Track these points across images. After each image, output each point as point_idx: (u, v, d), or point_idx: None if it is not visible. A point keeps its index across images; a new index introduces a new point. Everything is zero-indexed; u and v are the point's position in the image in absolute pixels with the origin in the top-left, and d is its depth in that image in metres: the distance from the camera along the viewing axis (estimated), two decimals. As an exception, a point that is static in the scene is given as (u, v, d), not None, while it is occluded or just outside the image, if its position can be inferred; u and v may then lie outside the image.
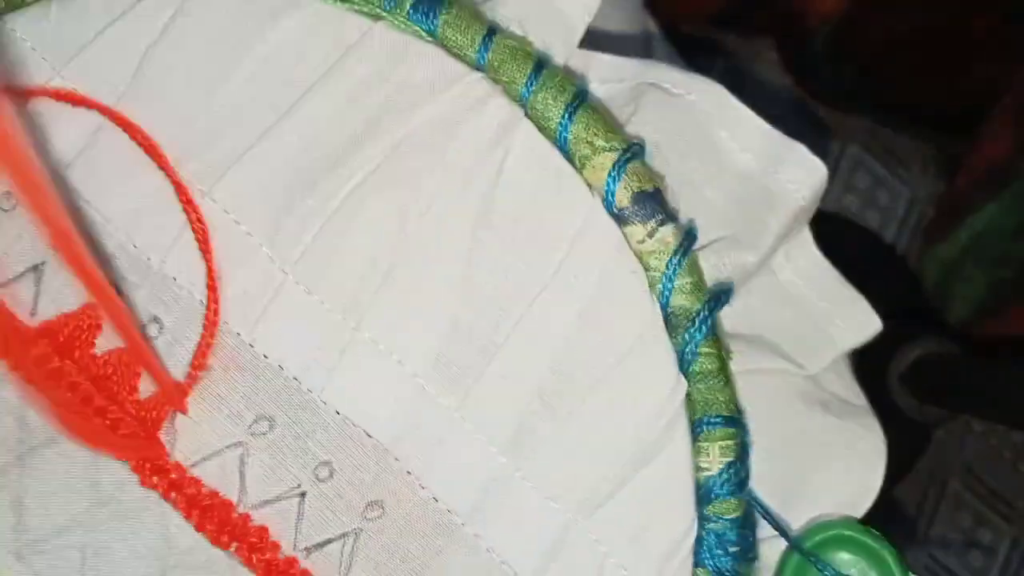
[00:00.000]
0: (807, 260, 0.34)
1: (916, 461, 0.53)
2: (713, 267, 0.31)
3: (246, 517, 0.28)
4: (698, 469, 0.29)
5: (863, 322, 0.34)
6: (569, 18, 0.31)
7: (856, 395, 0.34)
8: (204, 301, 0.28)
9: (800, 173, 0.32)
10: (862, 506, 0.31)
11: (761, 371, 0.33)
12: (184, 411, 0.28)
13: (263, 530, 0.28)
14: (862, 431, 0.33)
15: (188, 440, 0.28)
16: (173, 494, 0.28)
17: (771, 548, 0.31)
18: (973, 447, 0.44)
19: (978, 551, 0.41)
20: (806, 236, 0.35)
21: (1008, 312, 0.49)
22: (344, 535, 0.28)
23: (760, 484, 0.31)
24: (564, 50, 0.32)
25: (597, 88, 0.32)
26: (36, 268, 0.30)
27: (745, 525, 0.29)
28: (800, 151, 0.32)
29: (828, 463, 0.32)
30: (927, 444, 0.50)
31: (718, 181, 0.32)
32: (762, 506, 0.30)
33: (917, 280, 0.51)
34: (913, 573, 0.29)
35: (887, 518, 0.31)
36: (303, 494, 0.28)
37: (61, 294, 0.29)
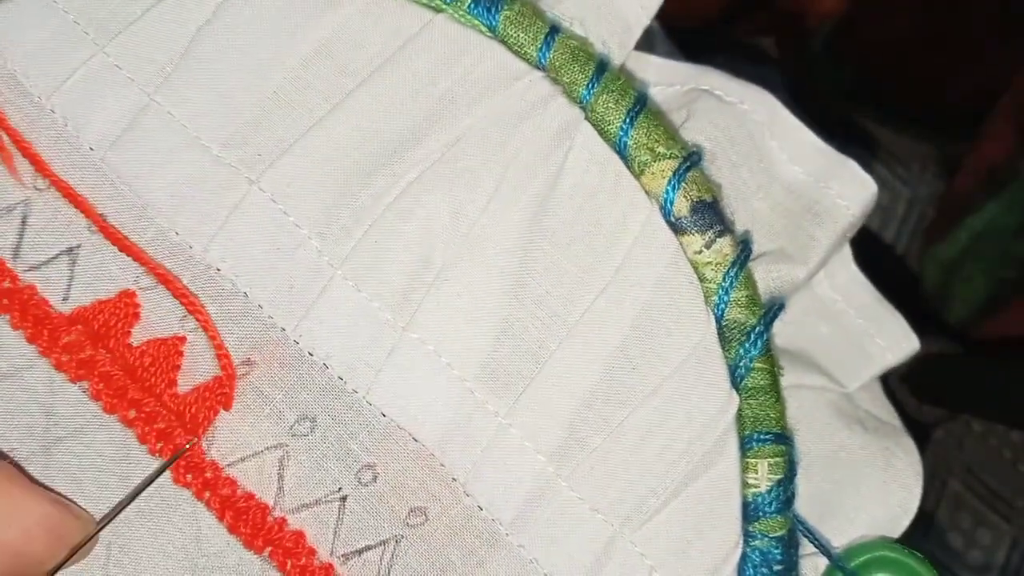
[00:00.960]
0: (846, 276, 0.34)
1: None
2: (761, 280, 0.30)
3: (282, 521, 0.26)
4: (746, 485, 0.27)
5: (902, 341, 0.33)
6: (627, 18, 0.30)
7: (890, 414, 0.34)
8: (249, 293, 0.27)
9: (850, 189, 0.31)
10: (900, 526, 0.31)
11: (800, 387, 0.32)
12: (228, 408, 0.26)
13: (299, 535, 0.26)
14: (898, 450, 0.32)
15: (226, 439, 0.26)
16: (207, 494, 0.26)
17: (809, 565, 0.30)
18: (973, 447, 0.44)
19: (978, 551, 0.41)
20: (846, 252, 0.34)
21: (1008, 312, 0.49)
22: (384, 542, 0.26)
23: (798, 501, 0.30)
24: (620, 51, 0.31)
25: (650, 91, 0.31)
26: (71, 251, 0.28)
27: (790, 543, 0.28)
28: (851, 167, 0.32)
29: (865, 482, 0.31)
30: (927, 444, 0.50)
31: (767, 192, 0.32)
32: (804, 524, 0.29)
33: (917, 280, 0.51)
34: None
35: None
36: (344, 498, 0.26)
37: (97, 279, 0.27)
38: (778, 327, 0.32)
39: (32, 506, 0.24)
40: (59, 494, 0.26)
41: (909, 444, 0.32)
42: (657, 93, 0.31)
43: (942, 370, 0.45)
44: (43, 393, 0.28)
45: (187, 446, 0.26)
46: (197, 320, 0.26)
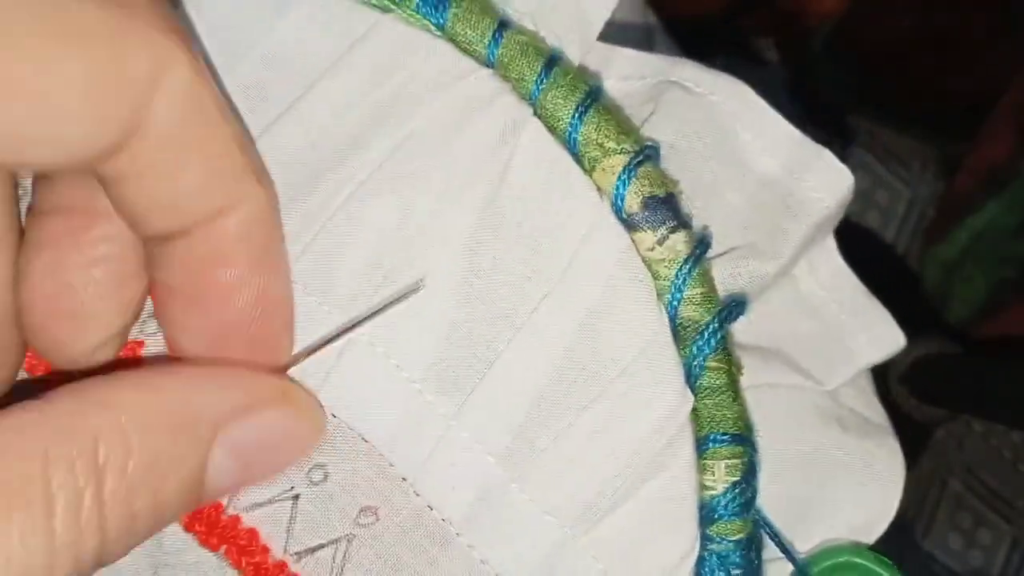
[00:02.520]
0: (830, 270, 0.32)
1: (916, 461, 0.50)
2: (729, 276, 0.28)
3: (236, 519, 0.25)
4: (703, 487, 0.26)
5: (887, 337, 0.31)
6: (587, 12, 0.29)
7: (877, 413, 0.32)
8: None
9: (826, 180, 0.30)
10: (876, 531, 0.29)
11: (776, 385, 0.30)
12: None
13: (253, 533, 0.26)
14: (880, 451, 0.30)
15: None
16: None
17: (777, 571, 0.28)
18: (973, 447, 0.42)
19: (978, 551, 0.39)
20: (830, 245, 0.32)
21: (1008, 312, 0.47)
22: (336, 540, 0.26)
23: (770, 503, 0.29)
24: (581, 45, 0.29)
25: (616, 85, 0.30)
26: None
27: (750, 547, 0.27)
28: (827, 157, 0.30)
29: (843, 484, 0.29)
30: (927, 444, 0.48)
31: (740, 185, 0.30)
32: (770, 527, 0.28)
33: (917, 280, 0.49)
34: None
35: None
36: (296, 497, 0.26)
37: None
38: (758, 324, 0.30)
39: None
40: None
41: (892, 445, 0.30)
42: (625, 87, 0.30)
43: (942, 370, 0.43)
44: None
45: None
46: None
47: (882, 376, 0.47)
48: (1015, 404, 0.39)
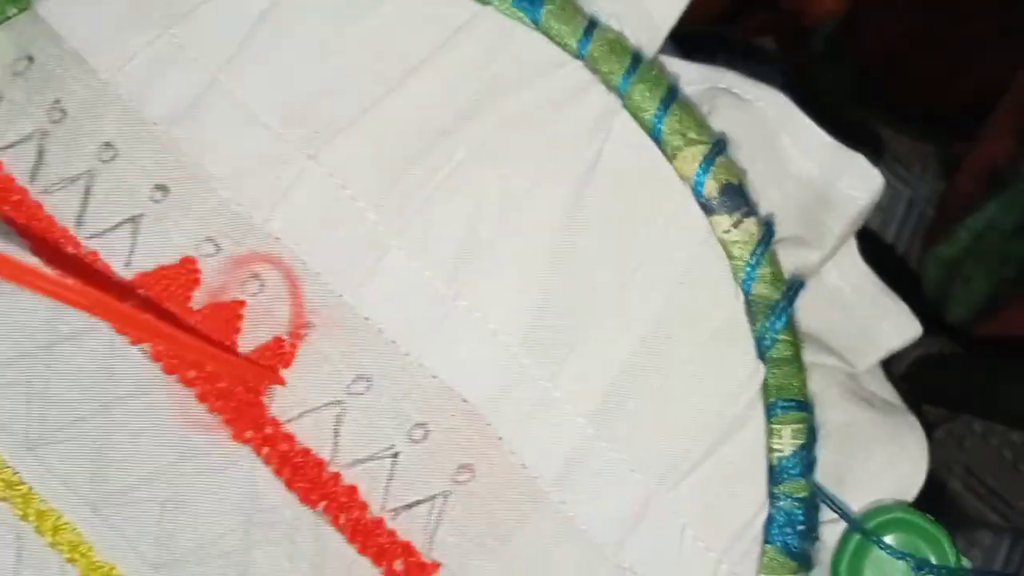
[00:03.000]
0: (852, 266, 0.35)
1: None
2: (781, 263, 0.32)
3: (337, 476, 0.26)
4: (770, 450, 0.28)
5: (906, 326, 0.35)
6: (655, 19, 0.32)
7: (893, 396, 0.35)
8: (307, 261, 0.27)
9: (859, 182, 0.33)
10: (908, 495, 0.32)
11: (814, 364, 0.33)
12: (281, 383, 0.26)
13: (352, 490, 0.26)
14: (905, 427, 0.33)
15: (285, 396, 0.26)
16: (266, 449, 0.26)
17: (829, 532, 0.31)
18: (973, 447, 0.44)
19: (978, 551, 0.42)
20: (851, 243, 0.35)
21: (1008, 312, 0.48)
22: (433, 497, 0.26)
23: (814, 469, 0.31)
24: (649, 48, 0.32)
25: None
26: (133, 219, 0.29)
27: (812, 505, 0.30)
28: (860, 161, 0.33)
29: (875, 455, 0.32)
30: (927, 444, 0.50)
31: (781, 184, 0.33)
32: (823, 491, 0.30)
33: (917, 280, 0.50)
34: (965, 557, 0.30)
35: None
36: (396, 455, 0.26)
37: (159, 247, 0.27)
38: (796, 309, 0.33)
39: None
40: None
41: (914, 422, 0.33)
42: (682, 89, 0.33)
43: (942, 370, 0.45)
44: (104, 354, 0.28)
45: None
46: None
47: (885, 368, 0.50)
48: (1015, 404, 0.41)
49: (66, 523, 0.27)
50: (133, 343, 0.27)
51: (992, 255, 0.46)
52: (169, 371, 0.27)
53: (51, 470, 0.27)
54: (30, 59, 0.28)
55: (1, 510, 0.27)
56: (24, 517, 0.27)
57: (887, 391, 0.34)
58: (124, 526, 0.27)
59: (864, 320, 0.33)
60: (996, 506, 0.34)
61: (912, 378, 0.47)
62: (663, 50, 0.33)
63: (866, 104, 0.47)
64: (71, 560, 0.27)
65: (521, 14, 0.29)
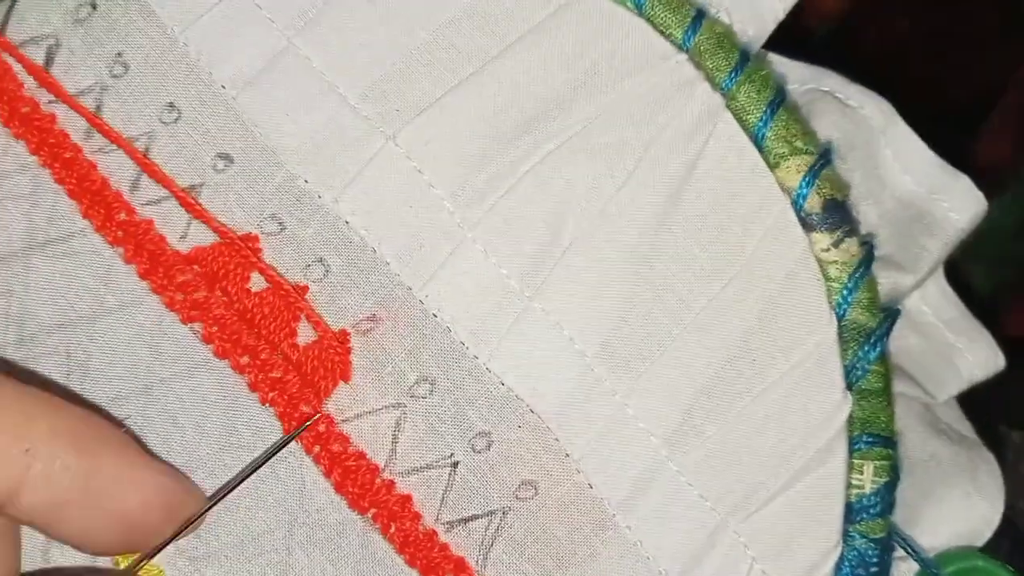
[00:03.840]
0: (936, 289, 0.33)
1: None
2: (881, 286, 0.29)
3: (391, 484, 0.24)
4: (850, 486, 0.25)
5: (989, 357, 0.32)
6: (762, 10, 0.29)
7: (968, 429, 0.33)
8: (377, 248, 0.24)
9: (962, 203, 0.31)
10: (981, 539, 0.30)
11: (897, 394, 0.31)
12: (347, 379, 0.24)
13: (407, 499, 0.24)
14: (982, 463, 0.31)
15: (344, 393, 0.24)
16: (317, 448, 0.24)
17: (899, 571, 0.29)
18: None
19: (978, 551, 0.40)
20: (938, 267, 0.33)
21: (1009, 312, 0.47)
22: (492, 512, 0.24)
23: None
24: (756, 43, 0.30)
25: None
26: (193, 188, 0.26)
27: (887, 547, 0.28)
28: (964, 182, 0.30)
29: (951, 492, 0.30)
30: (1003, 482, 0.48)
31: (877, 199, 0.30)
32: (898, 531, 0.28)
33: None
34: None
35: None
36: (456, 464, 0.24)
37: (218, 219, 0.25)
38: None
39: (150, 476, 0.21)
40: (175, 468, 0.24)
41: (990, 458, 0.31)
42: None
43: None
44: (150, 331, 0.26)
45: (315, 417, 0.23)
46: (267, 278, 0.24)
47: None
48: (1015, 404, 0.40)
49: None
50: (184, 322, 0.25)
51: (992, 255, 0.45)
52: (220, 355, 0.25)
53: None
54: (93, 6, 0.26)
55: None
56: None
57: (962, 423, 0.32)
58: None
59: (946, 348, 0.31)
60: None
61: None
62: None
63: None
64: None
65: (625, -2, 0.26)
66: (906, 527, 0.29)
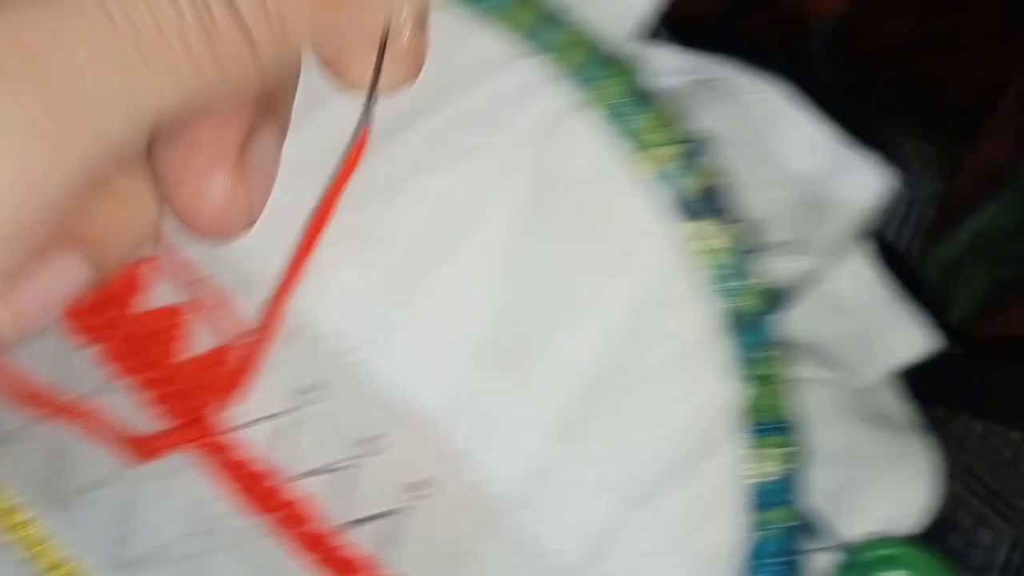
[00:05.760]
0: (861, 272, 0.31)
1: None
2: (768, 271, 0.29)
3: (291, 486, 0.24)
4: (754, 475, 0.25)
5: (917, 338, 0.31)
6: (627, 6, 0.27)
7: (904, 412, 0.32)
8: (250, 267, 0.25)
9: (864, 182, 0.29)
10: (909, 524, 0.29)
11: (816, 380, 0.30)
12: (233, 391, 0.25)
13: (307, 501, 0.24)
14: (914, 448, 0.30)
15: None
16: (218, 455, 0.24)
17: (820, 559, 0.28)
18: (973, 447, 0.41)
19: (978, 551, 0.38)
20: (861, 248, 0.32)
21: (1009, 312, 0.45)
22: (390, 512, 0.24)
23: (811, 494, 0.28)
24: (624, 39, 0.29)
25: (655, 81, 0.30)
26: None
27: (797, 535, 0.27)
28: (863, 160, 0.30)
29: (880, 478, 0.28)
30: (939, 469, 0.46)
31: (775, 184, 0.30)
32: (814, 518, 0.27)
33: (917, 280, 0.48)
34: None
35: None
36: (353, 467, 0.24)
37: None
38: (793, 320, 0.30)
39: None
40: None
41: (923, 445, 0.30)
42: (663, 83, 0.30)
43: (942, 370, 0.42)
44: (56, 354, 0.26)
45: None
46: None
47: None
48: (1015, 404, 0.38)
49: (27, 520, 0.26)
50: (84, 346, 0.26)
51: (993, 255, 0.43)
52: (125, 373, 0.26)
53: (12, 468, 0.26)
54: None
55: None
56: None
57: (896, 406, 0.30)
58: (86, 524, 0.26)
59: (871, 330, 0.30)
60: (996, 506, 0.30)
61: (912, 378, 0.43)
62: (658, 40, 0.30)
63: (866, 104, 0.45)
64: (32, 557, 0.26)
65: (480, 3, 0.27)
66: (836, 515, 0.28)
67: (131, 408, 0.25)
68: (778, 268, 0.26)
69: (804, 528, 0.25)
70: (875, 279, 0.30)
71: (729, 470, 0.25)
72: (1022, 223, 0.46)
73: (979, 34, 0.50)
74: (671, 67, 0.28)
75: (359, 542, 0.25)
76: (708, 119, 0.27)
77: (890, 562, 0.25)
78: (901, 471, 0.27)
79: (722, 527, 0.25)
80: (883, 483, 0.27)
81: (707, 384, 0.24)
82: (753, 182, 0.27)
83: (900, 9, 0.50)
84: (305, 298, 0.25)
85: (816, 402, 0.28)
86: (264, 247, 0.25)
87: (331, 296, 0.25)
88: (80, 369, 0.25)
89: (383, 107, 0.25)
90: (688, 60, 0.28)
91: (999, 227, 0.46)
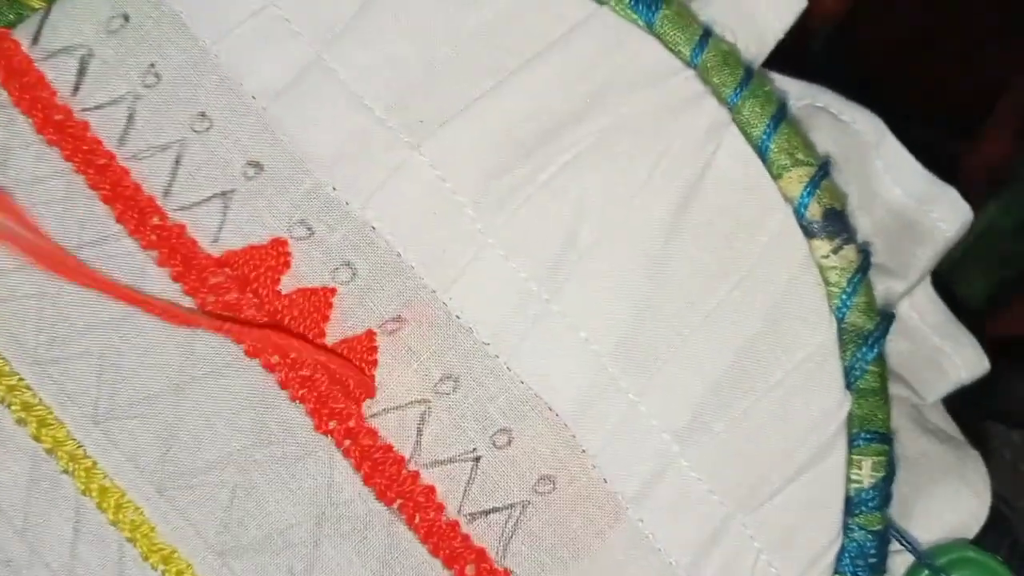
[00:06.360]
0: (924, 295, 0.34)
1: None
2: (876, 291, 0.30)
3: (416, 475, 0.24)
4: (849, 481, 0.26)
5: (974, 361, 0.33)
6: (763, 30, 0.30)
7: (954, 429, 0.34)
8: (402, 253, 0.25)
9: (949, 213, 0.31)
10: (970, 532, 0.31)
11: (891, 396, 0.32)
12: (372, 394, 0.25)
13: (430, 490, 0.24)
14: (969, 461, 0.32)
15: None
16: (347, 442, 0.24)
17: (894, 564, 0.30)
18: (972, 447, 0.43)
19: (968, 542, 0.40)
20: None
21: (1008, 312, 0.46)
22: (511, 505, 0.24)
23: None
24: (757, 60, 0.30)
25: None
26: (224, 195, 0.26)
27: (884, 538, 0.28)
28: (952, 193, 0.31)
29: (941, 488, 0.30)
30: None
31: (869, 210, 0.31)
32: (894, 524, 0.29)
33: None
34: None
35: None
36: (478, 459, 0.24)
37: (249, 225, 0.25)
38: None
39: None
40: None
41: (977, 456, 0.31)
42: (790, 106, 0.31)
43: None
44: (182, 331, 0.26)
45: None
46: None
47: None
48: (1015, 404, 0.40)
49: (129, 501, 0.25)
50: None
51: (992, 255, 0.45)
52: (251, 354, 0.25)
53: (118, 446, 0.25)
54: (126, 18, 0.26)
55: (63, 483, 0.25)
56: (86, 492, 0.25)
57: (948, 424, 0.32)
58: (190, 509, 0.25)
59: (933, 351, 0.32)
60: (996, 506, 0.32)
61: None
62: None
63: (866, 104, 0.46)
64: (131, 540, 0.25)
65: (636, 17, 0.27)
66: (900, 521, 0.29)
67: (258, 388, 0.24)
68: (879, 289, 0.28)
69: (887, 533, 0.27)
70: (935, 302, 0.32)
71: (834, 475, 0.26)
72: (1022, 223, 0.46)
73: (979, 34, 0.50)
74: (786, 91, 0.28)
75: (479, 533, 0.25)
76: (823, 142, 0.28)
77: (958, 565, 0.27)
78: (962, 481, 0.29)
79: (823, 529, 0.26)
80: (946, 494, 0.29)
81: (825, 395, 0.25)
82: (856, 205, 0.28)
83: (901, 9, 0.51)
84: (448, 288, 0.25)
85: (893, 415, 0.30)
86: (404, 238, 0.25)
87: (474, 288, 0.25)
88: (204, 349, 0.25)
89: (547, 103, 0.25)
90: (797, 85, 0.29)
91: (999, 227, 0.47)
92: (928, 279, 0.32)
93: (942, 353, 0.31)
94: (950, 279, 0.34)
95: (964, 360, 0.31)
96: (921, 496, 0.29)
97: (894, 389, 0.31)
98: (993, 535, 0.31)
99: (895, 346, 0.32)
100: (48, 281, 0.25)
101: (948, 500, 0.29)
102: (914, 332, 0.32)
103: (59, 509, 0.25)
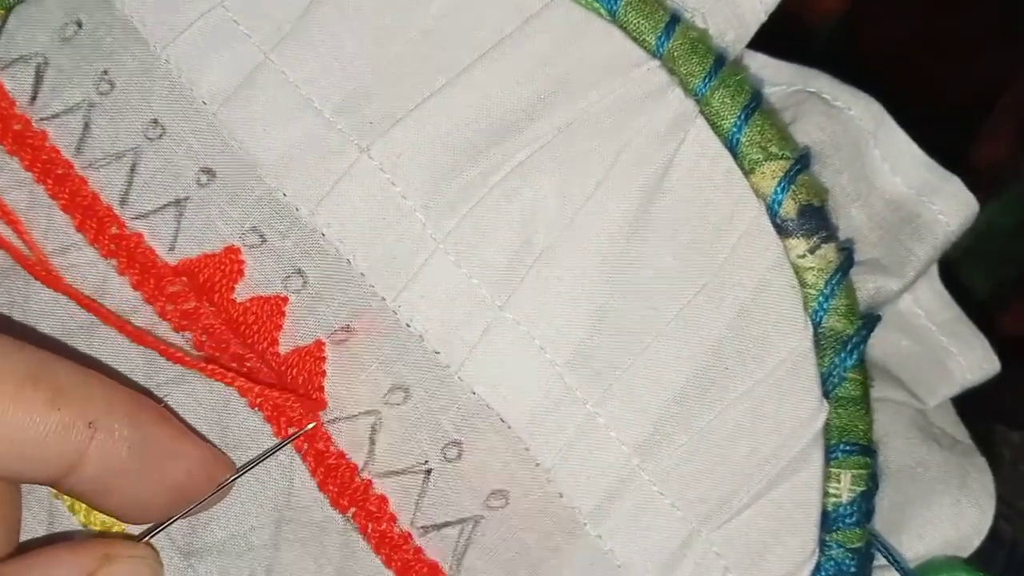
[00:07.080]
0: (929, 292, 0.31)
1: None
2: (859, 291, 0.28)
3: (368, 484, 0.24)
4: (827, 495, 0.24)
5: (983, 361, 0.31)
6: (744, 13, 0.28)
7: (963, 433, 0.31)
8: (352, 260, 0.24)
9: (953, 206, 0.29)
10: (970, 546, 0.28)
11: (883, 399, 0.30)
12: (322, 407, 0.24)
13: (383, 500, 0.24)
14: (973, 470, 0.29)
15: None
16: (305, 445, 0.24)
17: (882, 579, 0.28)
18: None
19: (978, 552, 0.38)
20: (932, 268, 0.31)
21: (1009, 312, 0.45)
22: (463, 520, 0.24)
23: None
24: (736, 46, 0.28)
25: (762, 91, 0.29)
26: (178, 202, 0.26)
27: (865, 556, 0.27)
28: (955, 184, 0.29)
29: (939, 499, 0.28)
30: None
31: (866, 202, 0.29)
32: (880, 540, 0.27)
33: None
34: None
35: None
36: (429, 471, 0.24)
37: (204, 233, 0.24)
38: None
39: (193, 448, 0.22)
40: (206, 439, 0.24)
41: (982, 464, 0.29)
42: (767, 93, 0.29)
43: None
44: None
45: (312, 426, 0.24)
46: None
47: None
48: (1015, 404, 0.38)
49: (96, 507, 0.25)
50: (175, 330, 0.25)
51: (992, 255, 0.43)
52: (212, 363, 0.25)
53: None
54: (79, 24, 0.26)
55: (35, 488, 0.26)
56: (57, 495, 0.26)
57: (956, 427, 0.30)
58: None
59: (938, 351, 0.29)
60: (996, 506, 0.30)
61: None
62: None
63: None
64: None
65: (597, 5, 0.25)
66: (893, 534, 0.27)
67: (220, 395, 0.24)
68: (868, 288, 0.26)
69: (869, 549, 0.25)
70: (943, 299, 0.29)
71: (808, 490, 0.24)
72: (1022, 223, 0.45)
73: (979, 34, 0.49)
74: (772, 76, 0.27)
75: (432, 547, 0.24)
76: (810, 130, 0.26)
77: (952, 586, 0.25)
78: (962, 491, 0.27)
79: (795, 547, 0.24)
80: (944, 505, 0.27)
81: (798, 404, 0.24)
82: (847, 198, 0.26)
83: (901, 9, 0.49)
84: (398, 296, 0.24)
85: (883, 421, 0.28)
86: (354, 244, 0.24)
87: (425, 295, 0.24)
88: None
89: (500, 101, 0.24)
90: (788, 69, 0.27)
91: (999, 227, 0.46)
92: (934, 274, 0.30)
93: (948, 353, 0.29)
94: (950, 279, 0.32)
95: (971, 360, 0.29)
96: (918, 507, 0.28)
97: (893, 392, 0.29)
98: (992, 536, 0.29)
99: (897, 345, 0.30)
100: (17, 290, 0.25)
101: (947, 512, 0.27)
102: (917, 329, 0.30)
103: (32, 512, 0.25)
